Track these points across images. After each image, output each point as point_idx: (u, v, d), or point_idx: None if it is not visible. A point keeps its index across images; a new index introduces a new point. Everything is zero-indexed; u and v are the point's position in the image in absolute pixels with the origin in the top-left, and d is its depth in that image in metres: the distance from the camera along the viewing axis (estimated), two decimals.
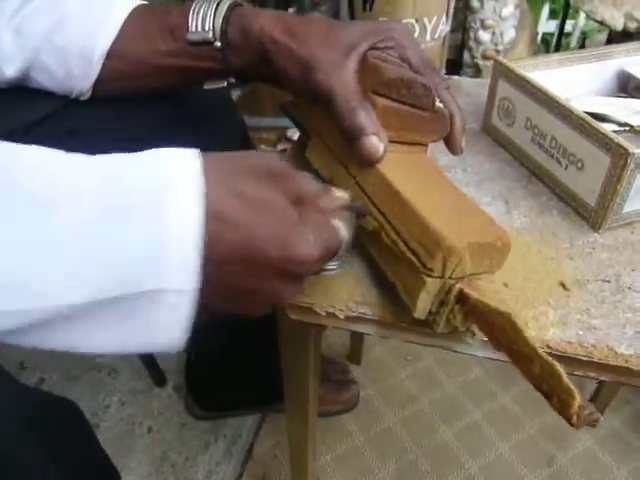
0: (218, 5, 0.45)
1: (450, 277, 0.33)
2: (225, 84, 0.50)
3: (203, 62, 0.46)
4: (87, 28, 0.46)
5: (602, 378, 0.36)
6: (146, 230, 0.25)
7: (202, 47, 0.45)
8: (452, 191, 0.38)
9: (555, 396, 0.28)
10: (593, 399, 0.99)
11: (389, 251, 0.36)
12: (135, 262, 0.25)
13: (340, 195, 0.33)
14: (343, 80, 0.39)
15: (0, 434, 0.34)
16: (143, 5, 0.48)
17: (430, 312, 0.35)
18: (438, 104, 0.40)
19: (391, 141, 0.39)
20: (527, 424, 1.03)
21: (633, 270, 0.41)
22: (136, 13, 0.47)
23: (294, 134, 1.09)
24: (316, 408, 0.66)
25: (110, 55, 0.46)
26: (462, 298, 0.33)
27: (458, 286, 0.33)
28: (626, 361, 0.35)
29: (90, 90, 0.48)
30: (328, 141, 0.44)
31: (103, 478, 0.52)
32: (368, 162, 0.38)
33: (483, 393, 1.08)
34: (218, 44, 0.45)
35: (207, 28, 0.44)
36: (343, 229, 0.31)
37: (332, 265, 0.34)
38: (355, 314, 0.38)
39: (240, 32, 0.44)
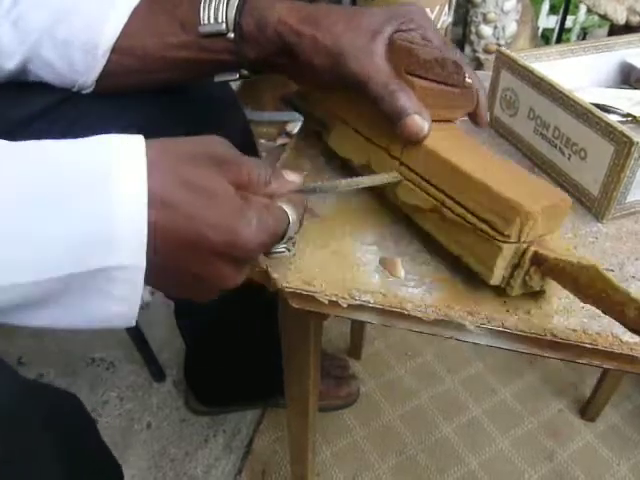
0: None
1: (524, 241, 0.35)
2: (237, 76, 0.49)
3: (216, 54, 0.45)
4: (91, 21, 0.45)
5: (606, 366, 0.36)
6: (90, 211, 0.26)
7: (215, 39, 0.44)
8: (500, 160, 0.40)
9: None
10: (593, 394, 0.99)
11: (453, 225, 0.38)
12: (81, 240, 0.26)
13: (292, 179, 0.34)
14: (376, 65, 0.39)
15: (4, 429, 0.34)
16: None
17: (503, 277, 0.36)
18: (468, 79, 0.41)
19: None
20: (527, 419, 1.03)
21: (637, 259, 0.41)
22: (143, 5, 0.46)
23: (294, 128, 1.09)
24: (317, 402, 0.66)
25: (116, 49, 0.45)
26: (538, 259, 0.35)
27: (533, 248, 0.35)
28: (631, 349, 0.35)
29: (93, 84, 0.47)
30: (359, 127, 0.45)
31: (106, 472, 0.51)
32: (415, 140, 0.39)
33: (483, 388, 1.07)
34: (232, 35, 0.44)
35: (220, 20, 0.43)
36: (291, 213, 0.32)
37: (280, 248, 0.35)
38: (358, 302, 0.38)
39: (255, 24, 0.43)
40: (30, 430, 0.38)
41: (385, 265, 0.39)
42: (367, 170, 0.44)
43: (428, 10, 0.56)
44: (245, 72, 0.48)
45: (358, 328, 1.06)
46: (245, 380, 0.93)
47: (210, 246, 0.29)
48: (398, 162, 0.42)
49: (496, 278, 0.36)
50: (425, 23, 0.42)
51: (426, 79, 0.40)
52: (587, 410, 1.02)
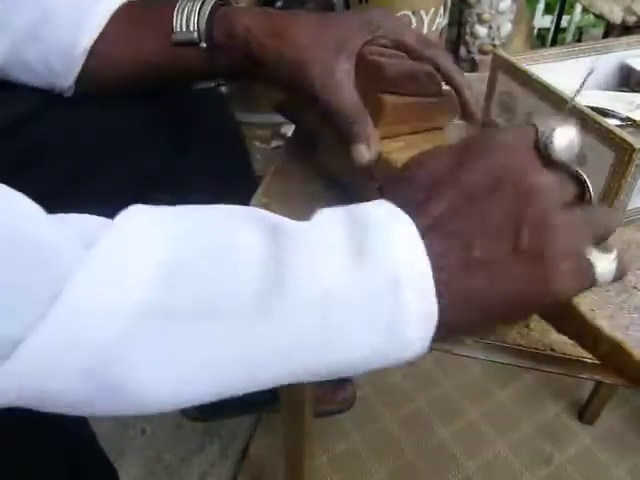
0: (203, 4, 0.43)
1: None
2: (213, 84, 0.48)
3: (189, 62, 0.44)
4: (70, 24, 0.45)
5: (608, 381, 0.35)
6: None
7: (188, 48, 0.44)
8: None
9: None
10: (591, 397, 0.99)
11: None
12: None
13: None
14: (337, 85, 0.38)
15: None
16: (130, 2, 0.47)
17: None
18: (444, 87, 0.40)
19: (410, 133, 0.40)
20: (525, 423, 1.02)
21: (638, 269, 0.40)
22: (122, 10, 0.46)
23: (288, 130, 1.08)
24: (312, 408, 0.65)
25: (94, 53, 0.45)
26: None
27: None
28: None
29: (72, 87, 0.47)
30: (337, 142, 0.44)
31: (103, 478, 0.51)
32: (359, 166, 0.39)
33: (480, 392, 1.07)
34: (204, 45, 0.43)
35: (192, 28, 0.43)
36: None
37: None
38: None
39: (225, 33, 0.43)
40: (28, 436, 0.37)
41: None
42: (354, 187, 0.44)
43: (423, 12, 0.55)
44: (221, 81, 0.47)
45: None
46: None
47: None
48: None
49: None
50: (397, 27, 0.41)
51: (400, 94, 0.40)
52: (585, 413, 1.01)
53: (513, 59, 0.51)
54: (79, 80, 0.46)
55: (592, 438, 1.00)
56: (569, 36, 1.66)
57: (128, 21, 0.45)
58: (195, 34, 0.43)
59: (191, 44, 0.43)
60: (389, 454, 0.97)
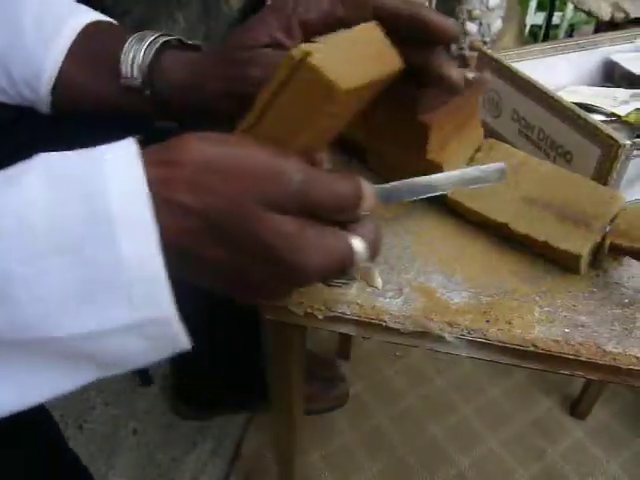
0: (150, 43, 0.41)
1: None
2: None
3: (143, 107, 0.42)
4: (31, 59, 0.43)
5: (590, 377, 0.35)
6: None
7: (137, 92, 0.41)
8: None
9: None
10: (583, 392, 0.99)
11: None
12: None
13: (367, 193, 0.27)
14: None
15: None
16: (92, 26, 0.44)
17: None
18: (470, 74, 0.37)
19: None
20: (517, 418, 1.02)
21: (620, 265, 0.40)
22: (82, 39, 0.43)
23: None
24: (302, 406, 0.65)
25: (58, 86, 0.43)
26: (614, 247, 0.38)
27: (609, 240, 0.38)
28: (614, 359, 0.34)
29: (48, 109, 0.45)
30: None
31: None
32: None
33: (473, 388, 1.07)
34: (147, 92, 0.41)
35: (136, 75, 0.41)
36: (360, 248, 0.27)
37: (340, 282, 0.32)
38: (334, 313, 0.37)
39: (165, 82, 0.41)
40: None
41: (362, 275, 0.38)
42: None
43: None
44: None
45: None
46: (232, 385, 0.92)
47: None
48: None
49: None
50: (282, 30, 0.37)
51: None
52: (577, 408, 1.02)
53: (498, 56, 0.51)
54: (54, 106, 0.45)
55: (584, 433, 1.00)
56: (561, 32, 1.66)
57: (83, 57, 0.43)
58: (139, 81, 0.41)
59: (138, 90, 0.41)
60: (382, 451, 0.97)
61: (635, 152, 0.41)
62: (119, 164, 0.24)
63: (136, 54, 0.40)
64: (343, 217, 0.27)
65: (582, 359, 0.34)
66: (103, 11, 0.48)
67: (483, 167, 0.32)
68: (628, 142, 0.40)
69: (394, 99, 0.37)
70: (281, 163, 0.25)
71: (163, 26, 0.88)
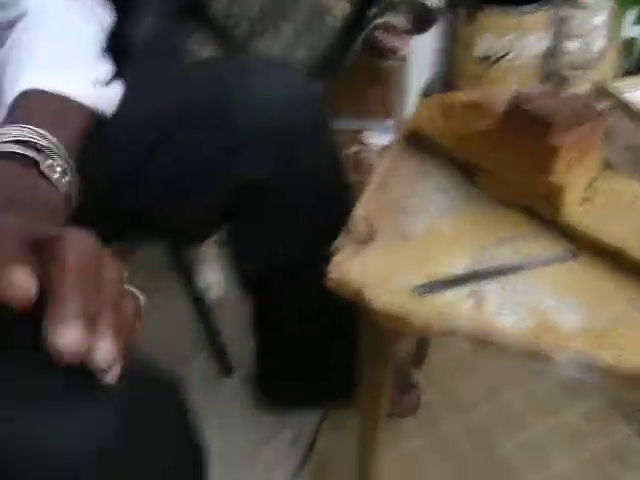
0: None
1: None
2: None
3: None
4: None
5: None
6: None
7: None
8: None
9: None
10: None
11: None
12: None
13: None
14: None
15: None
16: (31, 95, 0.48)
17: None
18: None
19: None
20: (592, 442, 1.00)
21: None
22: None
23: (369, 137, 1.10)
24: (387, 409, 0.68)
25: None
26: None
27: None
28: None
29: None
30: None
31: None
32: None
33: (547, 406, 1.05)
34: None
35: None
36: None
37: None
38: (449, 327, 0.39)
39: None
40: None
41: (477, 293, 0.41)
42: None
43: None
44: None
45: (425, 339, 1.06)
46: (315, 380, 0.95)
47: None
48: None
49: None
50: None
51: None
52: None
53: (614, 89, 0.51)
54: None
55: None
56: None
57: None
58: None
59: None
60: (449, 461, 0.98)
61: None
62: None
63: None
64: None
65: None
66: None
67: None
68: None
69: (525, 122, 0.40)
70: None
71: (268, 38, 0.93)
